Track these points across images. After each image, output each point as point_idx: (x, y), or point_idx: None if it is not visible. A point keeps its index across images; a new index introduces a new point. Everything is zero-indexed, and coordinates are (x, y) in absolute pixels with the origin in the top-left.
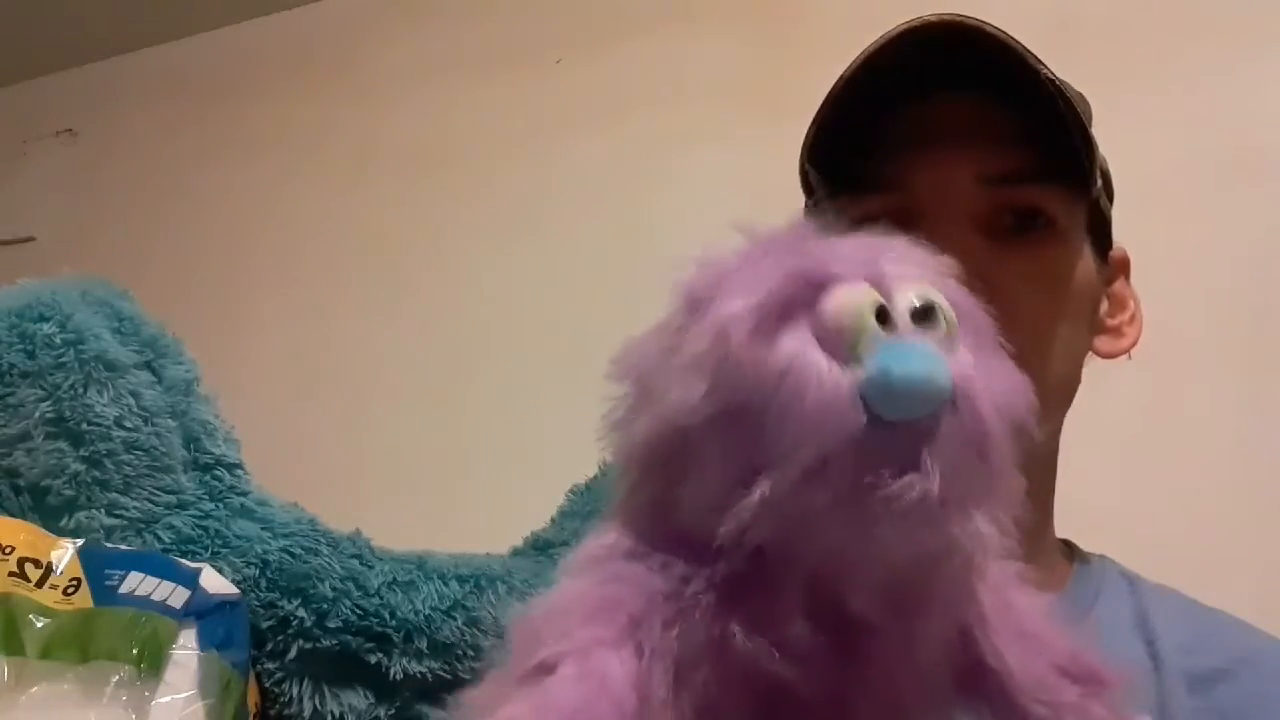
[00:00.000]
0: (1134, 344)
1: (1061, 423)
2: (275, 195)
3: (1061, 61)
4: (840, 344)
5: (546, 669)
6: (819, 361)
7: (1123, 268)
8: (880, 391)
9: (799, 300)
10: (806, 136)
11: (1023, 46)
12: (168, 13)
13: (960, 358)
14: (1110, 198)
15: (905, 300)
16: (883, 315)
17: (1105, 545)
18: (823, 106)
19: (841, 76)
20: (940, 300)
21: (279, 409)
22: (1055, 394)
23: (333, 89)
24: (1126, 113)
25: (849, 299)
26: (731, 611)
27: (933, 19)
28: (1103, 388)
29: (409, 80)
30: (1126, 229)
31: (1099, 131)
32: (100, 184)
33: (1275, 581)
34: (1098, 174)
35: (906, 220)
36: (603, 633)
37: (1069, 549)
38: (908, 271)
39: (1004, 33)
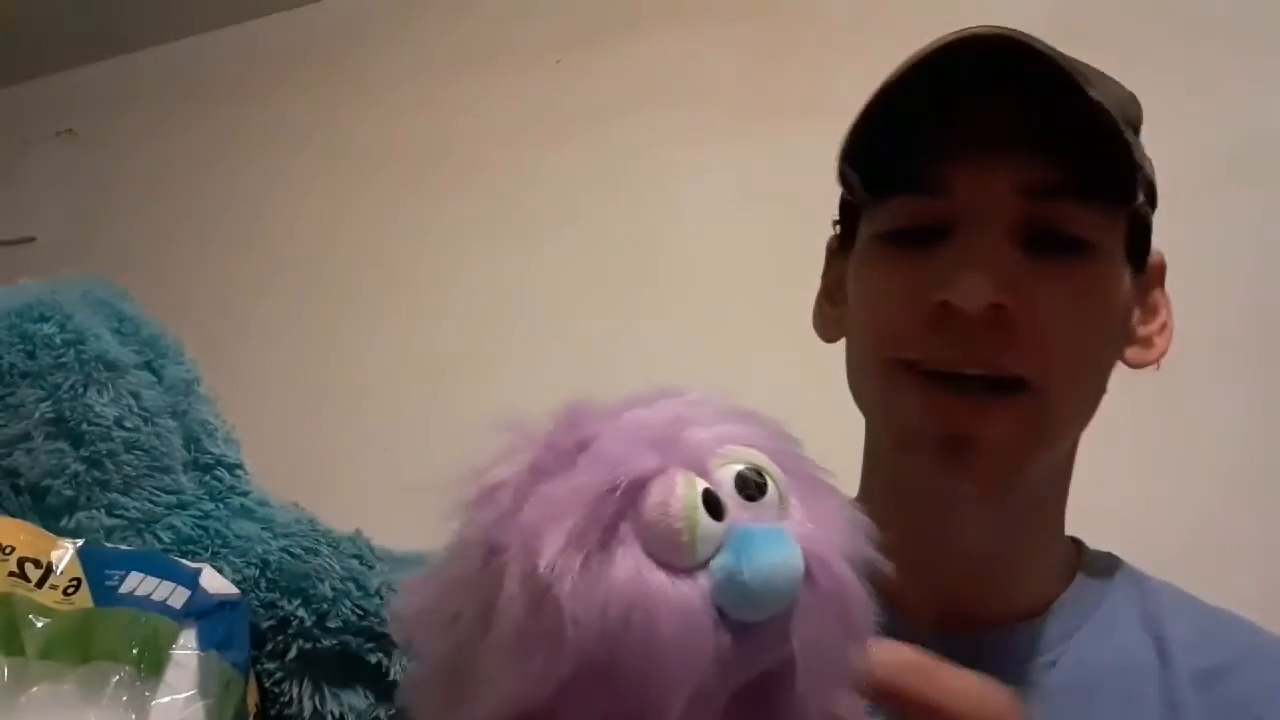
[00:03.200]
0: (1163, 354)
1: (1079, 435)
2: (275, 195)
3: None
4: (677, 552)
5: None
6: (662, 583)
7: (1159, 274)
8: (737, 597)
9: (617, 515)
10: (847, 136)
11: (1070, 61)
12: (168, 13)
13: (799, 520)
14: (1153, 204)
15: (728, 475)
16: (712, 502)
17: (1110, 547)
18: (867, 107)
19: (888, 79)
20: (763, 462)
21: (279, 409)
22: (1079, 413)
23: (333, 89)
24: None
25: (674, 500)
26: None
27: (982, 30)
28: (1109, 387)
29: (409, 80)
30: None
31: None
32: (100, 184)
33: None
34: (1140, 186)
35: (943, 225)
36: None
37: (1076, 547)
38: (718, 437)
39: (1051, 48)
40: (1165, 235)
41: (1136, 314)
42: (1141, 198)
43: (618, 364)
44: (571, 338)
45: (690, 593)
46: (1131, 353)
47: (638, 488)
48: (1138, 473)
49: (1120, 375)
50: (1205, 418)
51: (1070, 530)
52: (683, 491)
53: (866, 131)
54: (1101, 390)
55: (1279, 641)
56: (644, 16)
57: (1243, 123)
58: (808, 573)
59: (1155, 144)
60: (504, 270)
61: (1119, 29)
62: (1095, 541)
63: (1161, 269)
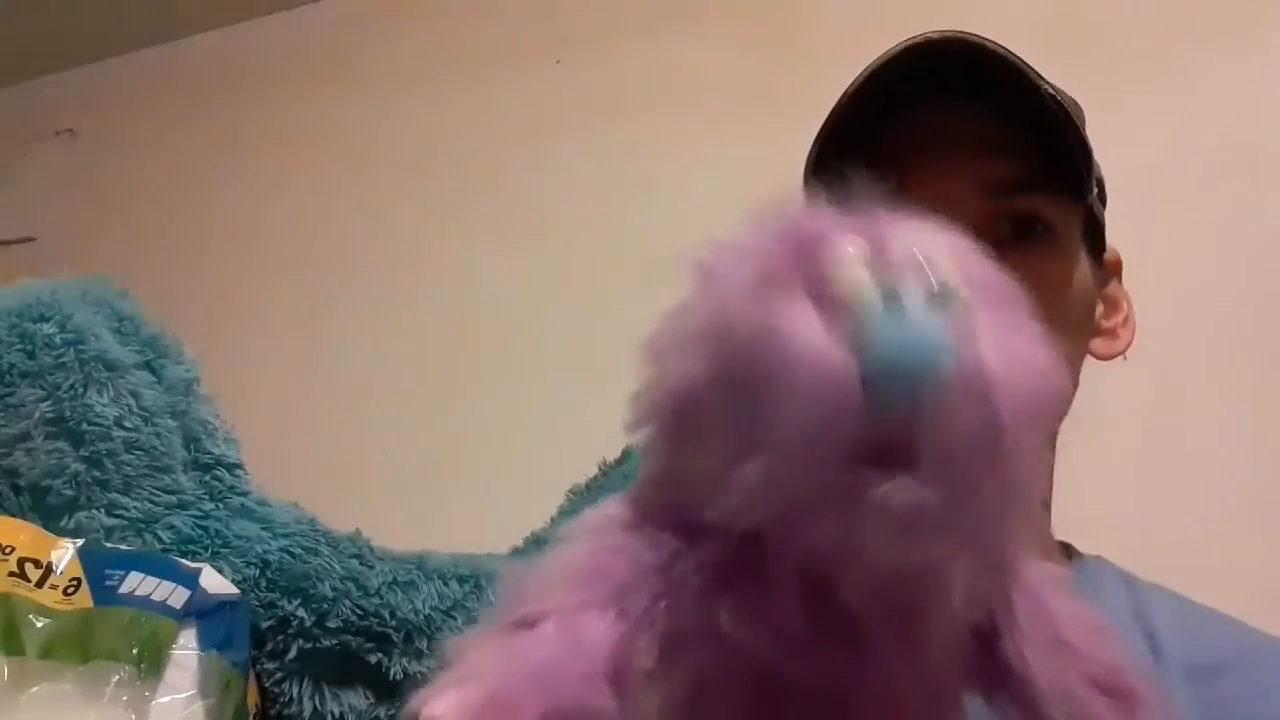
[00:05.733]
0: (1128, 345)
1: (1058, 428)
2: (275, 195)
3: (1061, 60)
4: (839, 312)
5: (527, 624)
6: (814, 326)
7: (1115, 269)
8: (874, 362)
9: (803, 268)
10: (810, 152)
11: (1024, 62)
12: (168, 13)
13: (972, 334)
14: (1103, 201)
15: (914, 273)
16: (889, 286)
17: (1111, 549)
18: (826, 122)
19: (845, 92)
20: (956, 274)
21: (279, 409)
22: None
23: (333, 89)
24: (1126, 112)
25: (852, 267)
26: (719, 595)
27: (935, 36)
28: (1106, 390)
29: (409, 80)
30: (1127, 229)
31: (1099, 129)
32: (100, 184)
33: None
34: (1094, 181)
35: None
36: (588, 596)
37: (1066, 550)
38: (923, 243)
39: (1005, 49)
40: (1166, 235)
41: (1100, 308)
42: (1095, 191)
43: (617, 363)
44: (571, 337)
45: (834, 345)
46: (1097, 344)
47: (833, 252)
48: (1138, 476)
49: (1120, 379)
50: (1207, 419)
51: (1073, 533)
52: (863, 265)
53: (829, 145)
54: (1074, 383)
55: (1271, 641)
56: (644, 16)
57: (1241, 122)
58: (960, 382)
59: (1156, 143)
60: (504, 270)
61: (1119, 27)
62: (1096, 545)
63: (1118, 265)
